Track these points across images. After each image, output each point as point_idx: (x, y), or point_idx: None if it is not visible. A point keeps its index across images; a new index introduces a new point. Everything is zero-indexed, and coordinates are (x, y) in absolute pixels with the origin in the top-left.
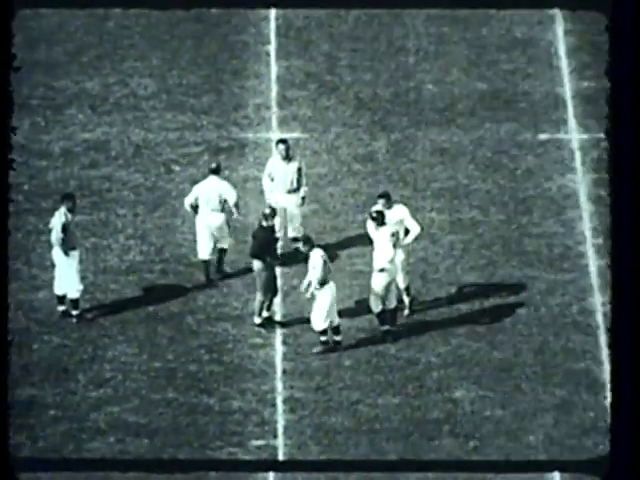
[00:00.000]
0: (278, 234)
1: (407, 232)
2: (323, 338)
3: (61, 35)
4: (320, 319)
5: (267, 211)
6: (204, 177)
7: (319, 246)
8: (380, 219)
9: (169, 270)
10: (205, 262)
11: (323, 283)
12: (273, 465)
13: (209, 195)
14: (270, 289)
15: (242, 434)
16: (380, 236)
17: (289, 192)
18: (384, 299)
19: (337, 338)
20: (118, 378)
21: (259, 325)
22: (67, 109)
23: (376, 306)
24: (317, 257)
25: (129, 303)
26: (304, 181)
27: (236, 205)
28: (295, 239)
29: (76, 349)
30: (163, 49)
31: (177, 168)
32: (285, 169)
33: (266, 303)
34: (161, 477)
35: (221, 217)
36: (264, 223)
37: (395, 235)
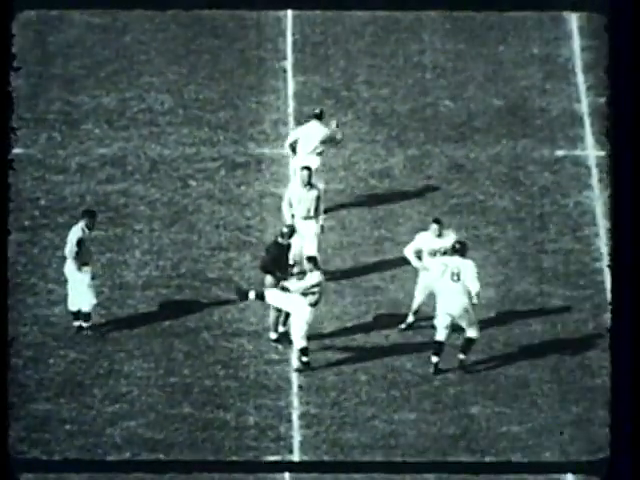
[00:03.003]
0: (291, 258)
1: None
2: (304, 358)
3: (78, 50)
4: (299, 336)
5: (285, 230)
6: (221, 192)
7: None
8: (463, 250)
9: (185, 285)
10: None
11: (314, 304)
12: (288, 466)
13: (308, 139)
14: None
15: (258, 449)
16: (434, 264)
17: (305, 218)
18: (454, 325)
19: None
20: (134, 393)
21: (275, 341)
22: (84, 124)
23: (439, 333)
24: (318, 279)
25: (145, 318)
26: (322, 209)
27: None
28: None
29: (92, 364)
30: (180, 64)
31: (194, 183)
32: (305, 195)
33: (281, 318)
34: (165, 477)
35: (317, 161)
36: (280, 240)
37: (455, 273)
